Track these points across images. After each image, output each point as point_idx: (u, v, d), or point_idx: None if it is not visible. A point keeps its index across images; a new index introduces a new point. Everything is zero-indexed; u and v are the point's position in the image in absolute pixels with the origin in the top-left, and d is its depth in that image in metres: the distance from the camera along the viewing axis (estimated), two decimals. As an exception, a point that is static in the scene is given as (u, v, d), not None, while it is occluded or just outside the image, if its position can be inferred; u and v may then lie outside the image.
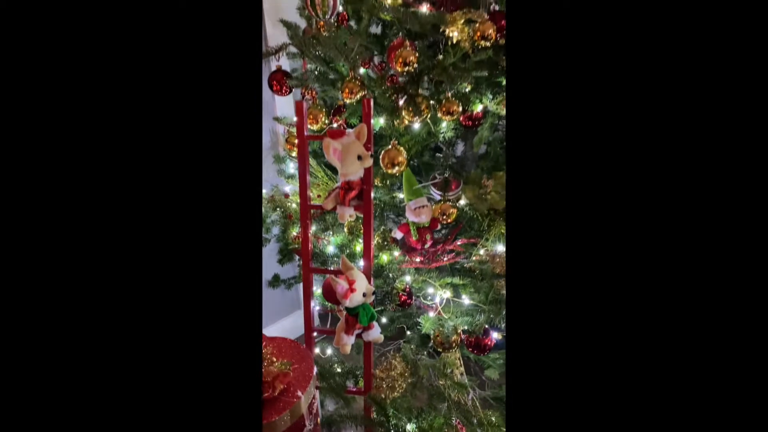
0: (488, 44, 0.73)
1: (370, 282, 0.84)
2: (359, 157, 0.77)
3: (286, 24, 1.00)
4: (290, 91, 0.98)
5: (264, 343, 0.76)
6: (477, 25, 0.73)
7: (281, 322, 1.58)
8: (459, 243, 0.87)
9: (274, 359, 0.73)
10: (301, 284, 1.30)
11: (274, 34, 1.42)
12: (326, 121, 0.90)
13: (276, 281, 1.37)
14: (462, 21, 0.76)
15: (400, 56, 0.74)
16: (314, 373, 0.76)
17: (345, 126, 0.94)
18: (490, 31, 0.72)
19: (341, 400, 0.92)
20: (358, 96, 0.83)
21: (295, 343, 0.82)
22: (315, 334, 0.96)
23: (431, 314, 0.83)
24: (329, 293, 0.83)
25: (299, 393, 0.71)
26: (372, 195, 0.83)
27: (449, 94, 0.76)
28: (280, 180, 1.18)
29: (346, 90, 0.84)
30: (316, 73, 0.97)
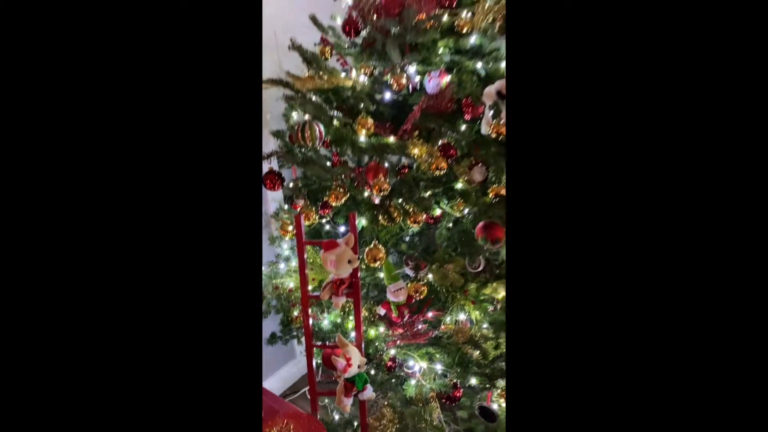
0: (442, 173, 0.96)
1: (362, 353, 1.05)
2: (349, 261, 0.98)
3: (276, 134, 1.21)
4: (282, 187, 1.18)
5: (281, 423, 0.95)
6: (432, 158, 0.96)
7: (279, 373, 1.75)
8: (430, 314, 1.10)
9: None
10: (294, 340, 1.50)
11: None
12: (317, 217, 1.11)
13: (273, 339, 1.55)
14: (420, 147, 1.00)
15: (376, 184, 0.96)
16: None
17: (333, 220, 1.16)
18: (443, 164, 0.95)
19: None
20: (343, 200, 1.05)
21: (309, 418, 1.01)
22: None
23: (412, 382, 1.05)
24: (329, 363, 1.04)
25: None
26: (360, 283, 1.05)
27: (414, 207, 0.99)
28: (272, 256, 1.38)
29: (333, 195, 1.05)
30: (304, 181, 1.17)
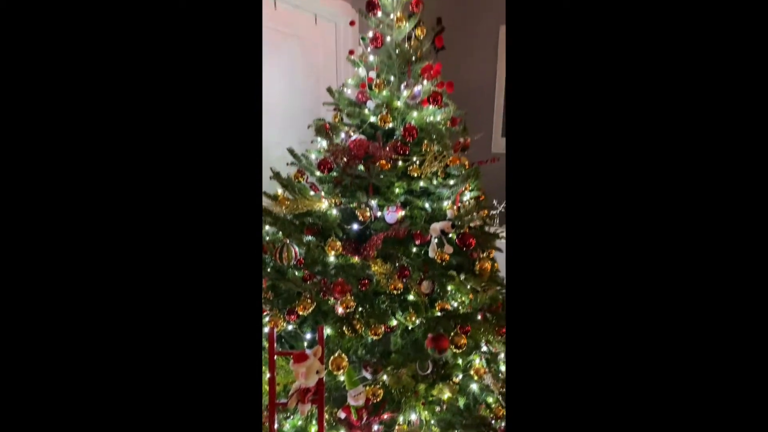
0: (398, 291, 1.17)
1: (323, 458, 1.13)
2: (317, 372, 1.11)
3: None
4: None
5: None
6: (390, 279, 1.17)
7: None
8: (385, 416, 1.23)
9: None
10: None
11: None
12: (284, 324, 1.23)
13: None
14: (380, 266, 1.20)
15: (343, 302, 1.14)
16: None
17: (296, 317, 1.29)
18: (399, 285, 1.16)
19: None
20: (310, 310, 1.20)
21: None
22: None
23: (371, 484, 1.14)
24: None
25: None
26: (324, 391, 1.16)
27: (374, 321, 1.17)
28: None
29: (301, 306, 1.20)
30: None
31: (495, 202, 2.70)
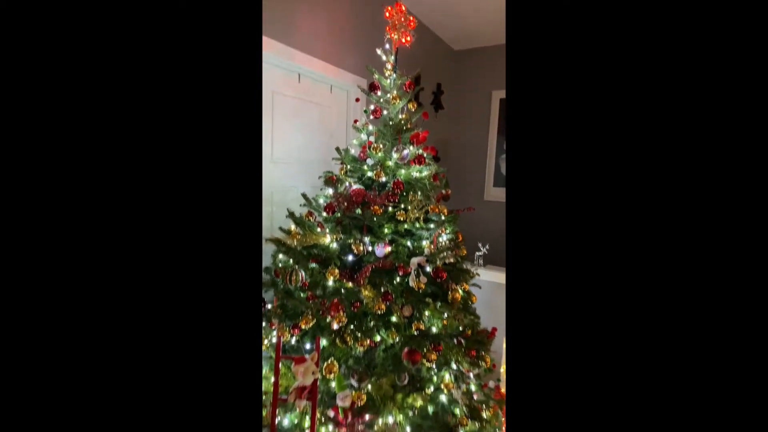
0: (382, 312, 1.45)
1: (313, 447, 1.37)
2: (312, 372, 1.38)
3: (266, 270, 1.67)
4: (264, 310, 1.60)
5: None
6: (376, 302, 1.46)
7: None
8: (367, 417, 1.47)
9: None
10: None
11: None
12: (289, 336, 1.52)
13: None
14: (370, 291, 1.50)
15: (336, 318, 1.43)
16: None
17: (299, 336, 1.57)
18: (383, 306, 1.45)
19: None
20: (311, 325, 1.48)
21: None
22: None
23: (350, 469, 1.37)
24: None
25: None
26: (317, 391, 1.42)
27: (362, 336, 1.45)
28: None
29: (303, 321, 1.49)
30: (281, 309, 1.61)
31: (480, 244, 3.00)
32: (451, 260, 1.66)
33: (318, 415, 1.45)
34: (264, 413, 1.50)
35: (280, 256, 1.71)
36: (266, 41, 1.92)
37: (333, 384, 1.51)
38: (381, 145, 1.70)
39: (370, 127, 1.77)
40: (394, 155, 1.68)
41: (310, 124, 2.36)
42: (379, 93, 1.76)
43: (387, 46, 1.75)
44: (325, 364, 1.42)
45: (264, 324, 1.73)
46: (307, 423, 1.45)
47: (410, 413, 1.48)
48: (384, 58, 1.75)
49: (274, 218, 2.02)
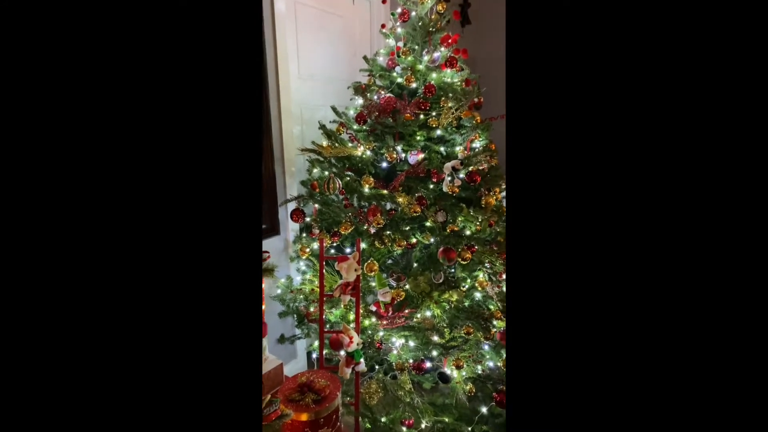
0: (417, 215, 1.50)
1: (359, 336, 1.52)
2: (355, 270, 1.48)
3: (303, 183, 1.73)
4: (304, 220, 1.68)
5: (313, 375, 1.38)
6: (411, 205, 1.50)
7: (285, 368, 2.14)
8: (406, 311, 1.59)
9: (321, 380, 1.37)
10: (297, 341, 1.95)
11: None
12: (329, 242, 1.61)
13: (282, 339, 1.98)
14: (404, 197, 1.54)
15: (374, 220, 1.49)
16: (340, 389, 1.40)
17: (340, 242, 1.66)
18: (418, 209, 1.49)
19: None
20: (349, 230, 1.56)
21: (329, 374, 1.45)
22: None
23: (394, 351, 1.52)
24: (335, 345, 1.50)
25: (337, 394, 1.33)
26: (360, 286, 1.54)
27: (398, 237, 1.52)
28: (290, 271, 1.85)
29: (343, 227, 1.56)
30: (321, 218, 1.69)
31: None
32: (484, 167, 1.66)
33: (362, 309, 1.58)
34: (312, 309, 1.65)
35: (315, 170, 1.76)
36: (282, -57, 1.79)
37: (373, 283, 1.62)
38: (410, 49, 1.64)
39: (399, 31, 1.69)
40: (425, 57, 1.62)
41: (334, 37, 2.27)
42: (406, -7, 1.65)
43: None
44: (366, 263, 1.52)
45: (305, 234, 1.83)
46: (352, 316, 1.59)
47: (447, 306, 1.58)
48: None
49: (305, 137, 2.03)
